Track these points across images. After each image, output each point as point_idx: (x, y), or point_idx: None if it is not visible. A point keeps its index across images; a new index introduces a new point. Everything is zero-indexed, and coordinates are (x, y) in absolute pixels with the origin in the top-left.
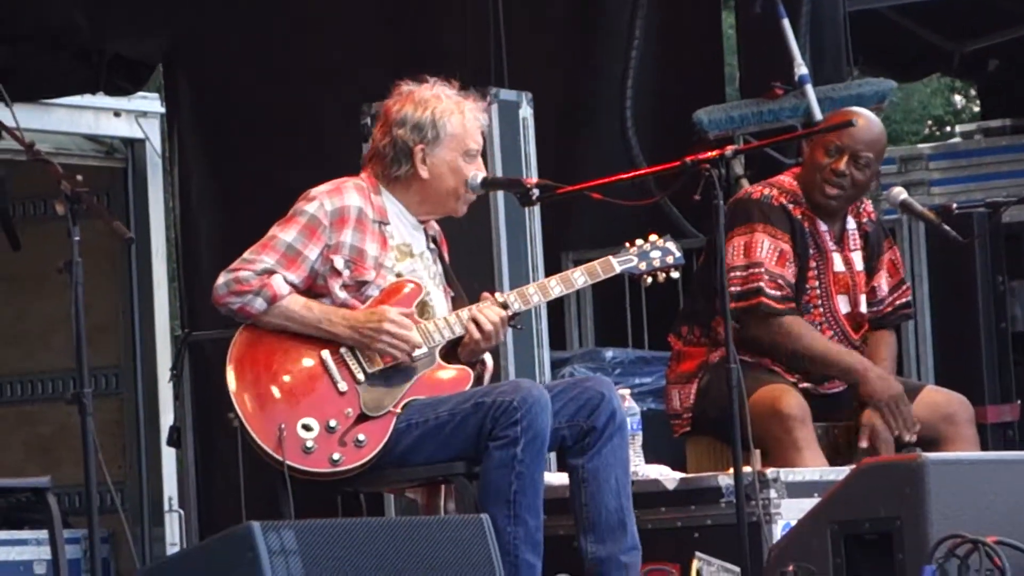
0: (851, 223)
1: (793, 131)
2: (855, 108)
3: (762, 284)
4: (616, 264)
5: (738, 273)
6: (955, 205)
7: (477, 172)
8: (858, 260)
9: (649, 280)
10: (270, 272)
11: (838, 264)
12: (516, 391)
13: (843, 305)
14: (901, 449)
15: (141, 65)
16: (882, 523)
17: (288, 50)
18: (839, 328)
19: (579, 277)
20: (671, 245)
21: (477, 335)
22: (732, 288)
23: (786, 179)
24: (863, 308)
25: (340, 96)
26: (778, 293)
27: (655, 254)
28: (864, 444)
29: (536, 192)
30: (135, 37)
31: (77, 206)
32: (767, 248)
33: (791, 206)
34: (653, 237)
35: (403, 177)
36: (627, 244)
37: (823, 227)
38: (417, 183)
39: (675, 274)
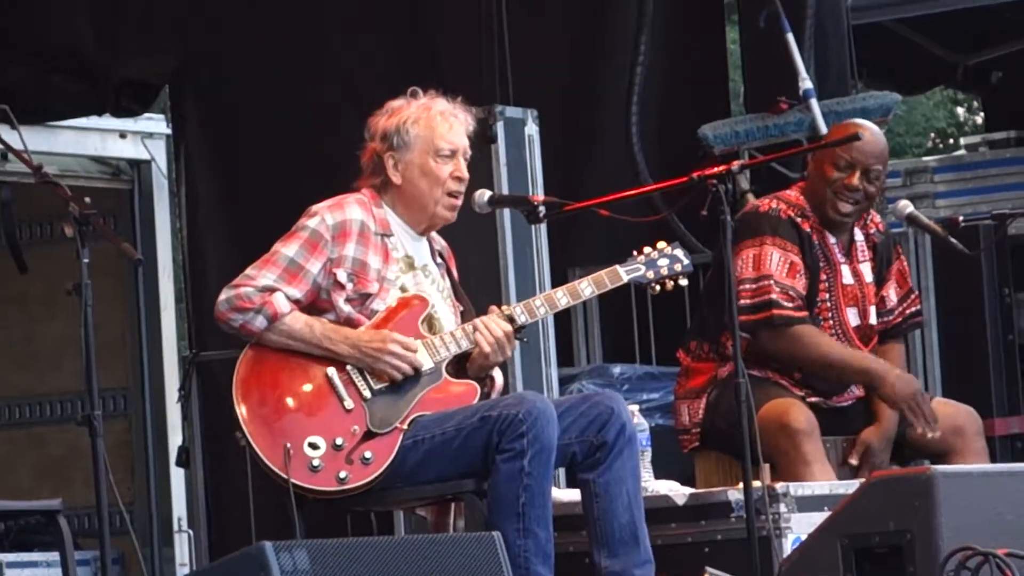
0: (859, 235)
1: (798, 145)
2: (858, 120)
3: (774, 296)
4: (623, 273)
5: (748, 286)
6: (961, 217)
7: (481, 191)
8: (867, 272)
9: (657, 288)
10: (272, 289)
11: (847, 276)
12: (521, 403)
13: (852, 317)
14: (909, 463)
15: (148, 86)
16: (892, 536)
17: (296, 71)
18: (848, 341)
19: (586, 288)
20: (679, 252)
21: (486, 348)
22: (743, 301)
23: (792, 193)
24: (872, 320)
25: (348, 117)
26: (791, 304)
27: (663, 262)
28: (854, 461)
29: (543, 209)
30: (142, 58)
31: (86, 228)
32: (777, 260)
33: (799, 219)
34: (661, 245)
35: (381, 187)
36: (634, 253)
37: (831, 239)
38: (394, 191)
39: (683, 282)
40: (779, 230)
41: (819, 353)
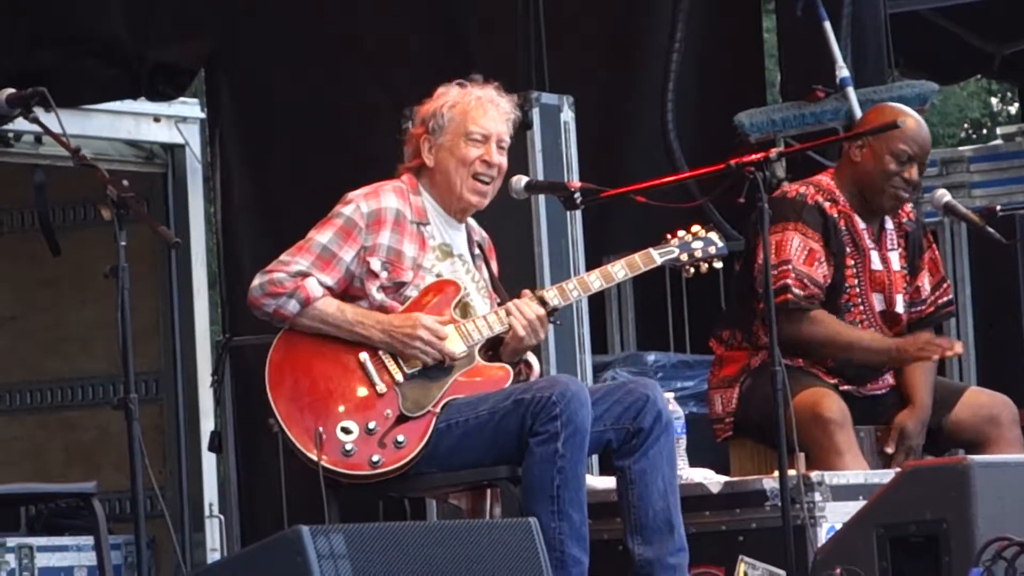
0: (889, 223)
1: (835, 133)
2: (896, 105)
3: (788, 281)
4: (657, 256)
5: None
6: (998, 207)
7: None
8: (895, 260)
9: (692, 271)
10: (304, 274)
11: (876, 262)
12: (554, 386)
13: (878, 303)
14: (944, 453)
15: (183, 71)
16: (928, 526)
17: (329, 56)
18: (876, 327)
19: (619, 270)
20: (713, 235)
21: (520, 332)
22: (761, 289)
23: (824, 179)
24: (899, 308)
25: (381, 101)
26: (802, 292)
27: (697, 244)
28: (890, 450)
29: (580, 196)
30: (178, 43)
31: (124, 211)
32: (796, 246)
33: (827, 204)
34: (696, 228)
35: (416, 169)
36: (668, 236)
37: (861, 225)
38: (428, 174)
39: (718, 264)
40: (803, 215)
41: (829, 335)
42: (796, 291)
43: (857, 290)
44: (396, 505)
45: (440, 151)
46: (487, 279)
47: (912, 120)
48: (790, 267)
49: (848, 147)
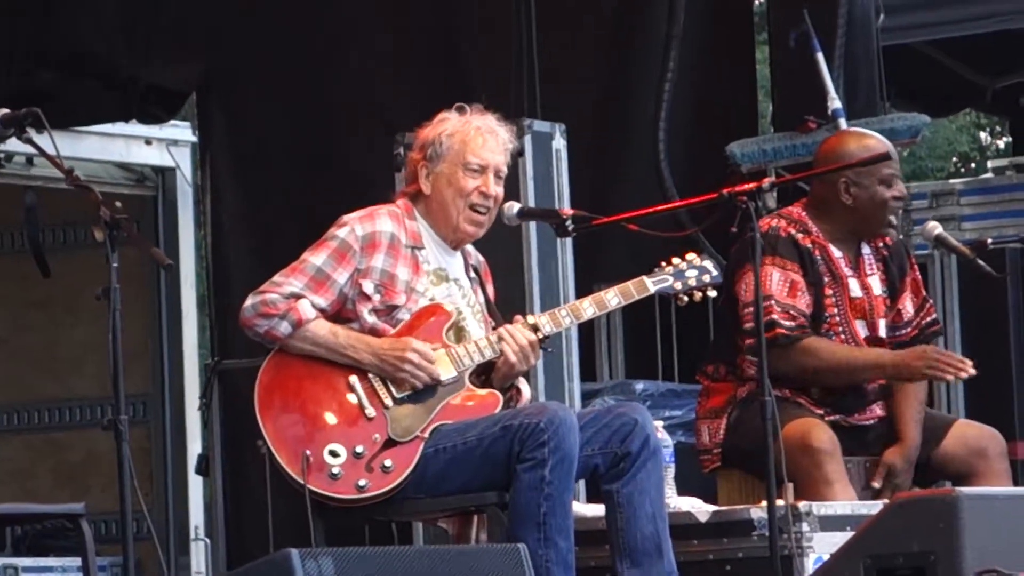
0: (865, 248)
1: None
2: (855, 129)
3: (775, 316)
4: (650, 284)
5: (750, 309)
6: (989, 240)
7: (510, 203)
8: (876, 284)
9: (685, 299)
10: (297, 296)
11: (855, 289)
12: (543, 412)
13: (861, 330)
14: (932, 485)
15: (175, 93)
16: (916, 558)
17: (321, 80)
18: None
19: (612, 298)
20: (708, 264)
21: (511, 357)
22: (746, 324)
23: (795, 209)
24: (882, 332)
25: (373, 126)
26: (792, 323)
27: (691, 273)
28: (877, 484)
29: (572, 223)
30: (170, 65)
31: (116, 232)
32: (777, 280)
33: (799, 235)
34: (690, 256)
35: (413, 195)
36: (662, 263)
37: (836, 253)
38: (424, 200)
39: (712, 293)
40: (778, 249)
41: (823, 360)
42: (785, 323)
43: (838, 318)
44: (383, 528)
45: (438, 179)
46: (483, 303)
47: (872, 138)
48: (772, 302)
49: (818, 182)
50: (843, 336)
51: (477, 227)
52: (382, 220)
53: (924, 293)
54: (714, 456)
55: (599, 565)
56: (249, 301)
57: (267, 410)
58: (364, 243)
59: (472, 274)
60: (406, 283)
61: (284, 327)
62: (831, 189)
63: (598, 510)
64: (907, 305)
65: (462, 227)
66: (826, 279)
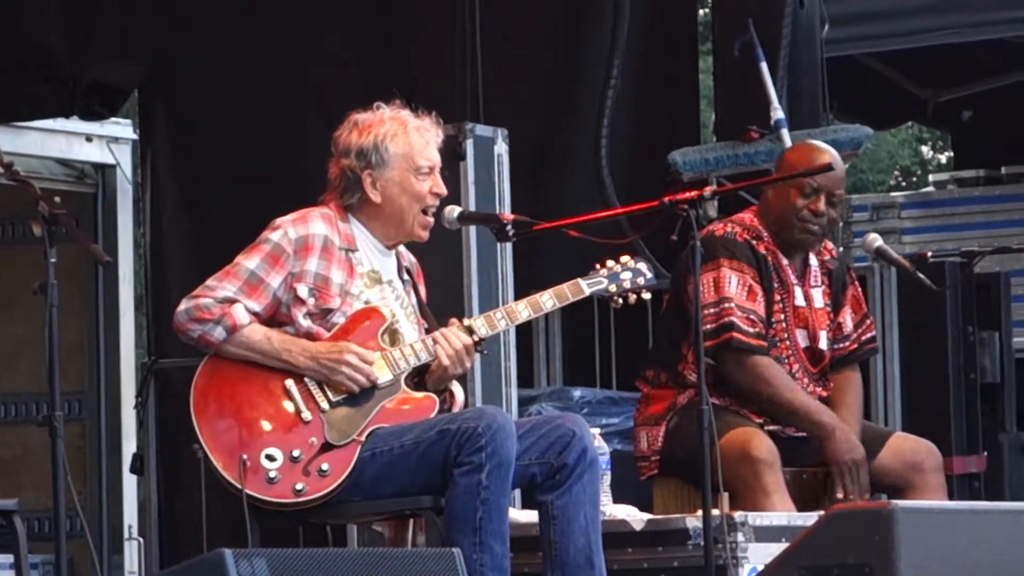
0: (813, 260)
1: (768, 175)
2: (816, 144)
3: (735, 319)
4: (585, 286)
5: (710, 310)
6: (930, 253)
7: (450, 207)
8: (818, 296)
9: (620, 302)
10: (231, 301)
11: (799, 298)
12: (481, 417)
13: (801, 339)
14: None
15: (117, 91)
16: (851, 570)
17: (265, 83)
18: (800, 362)
19: (547, 300)
20: (642, 266)
21: (445, 361)
22: (706, 326)
23: (747, 216)
24: (822, 344)
25: (316, 127)
26: (751, 329)
27: (626, 275)
28: (841, 495)
29: (512, 228)
30: (112, 63)
31: (55, 228)
32: (735, 283)
33: (754, 242)
34: (624, 258)
35: (358, 204)
36: (596, 266)
37: (785, 262)
38: (372, 208)
39: (646, 295)
40: (736, 253)
41: (774, 392)
42: (744, 327)
43: (783, 325)
44: (317, 530)
45: (388, 186)
46: (416, 304)
47: (824, 153)
48: (732, 305)
49: (772, 189)
50: (786, 343)
51: (426, 231)
52: (315, 223)
53: (865, 309)
54: (652, 463)
55: (532, 572)
56: (183, 306)
57: (203, 415)
58: (297, 246)
59: (405, 275)
60: (340, 286)
61: (218, 332)
62: (780, 196)
63: (532, 516)
64: (847, 319)
65: (416, 232)
66: (776, 285)
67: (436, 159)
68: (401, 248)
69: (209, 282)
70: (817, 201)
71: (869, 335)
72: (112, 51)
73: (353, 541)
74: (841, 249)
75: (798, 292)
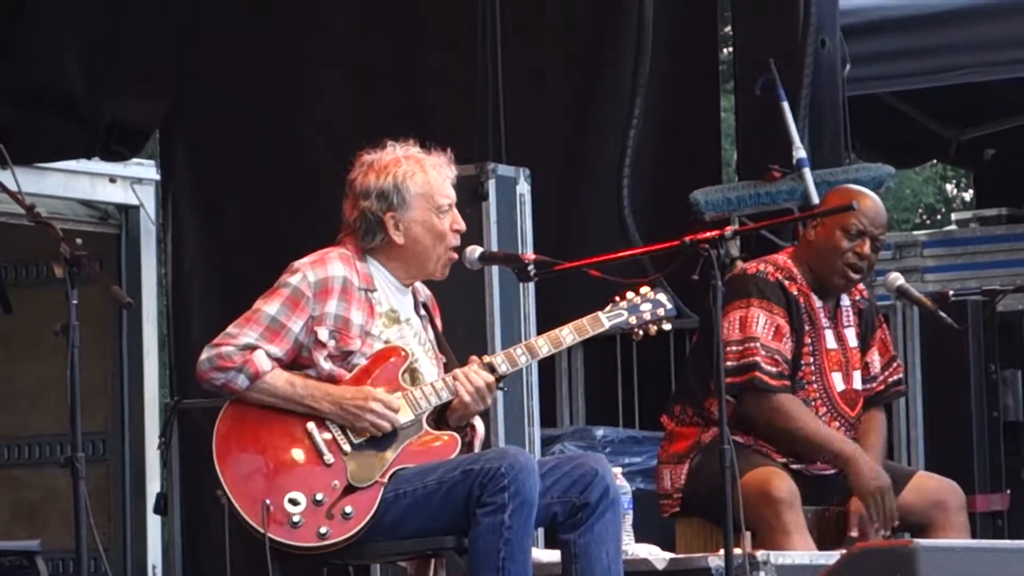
0: (844, 300)
1: (790, 214)
2: (854, 187)
3: (758, 359)
4: (605, 320)
5: (734, 348)
6: (951, 292)
7: (472, 247)
8: (851, 336)
9: (640, 334)
10: (252, 348)
11: (831, 341)
12: (503, 457)
13: (838, 382)
14: (891, 535)
15: (138, 131)
16: None
17: (286, 122)
18: (832, 405)
19: (567, 335)
20: (662, 297)
21: (466, 399)
22: (728, 363)
23: (780, 257)
24: (857, 385)
25: (337, 166)
26: (774, 369)
27: (645, 307)
28: (854, 533)
29: (533, 268)
30: (133, 103)
31: (76, 270)
32: (763, 323)
33: (786, 282)
34: (644, 289)
35: (379, 246)
36: (616, 298)
37: (818, 303)
38: (395, 249)
39: (667, 326)
40: (766, 292)
41: (795, 426)
42: (767, 367)
43: (812, 368)
44: (340, 569)
45: (412, 227)
46: (433, 340)
47: (867, 198)
48: (757, 344)
49: (804, 227)
50: (816, 386)
51: (447, 269)
52: (334, 264)
53: (892, 352)
54: (674, 501)
55: None
56: (205, 354)
57: (225, 459)
58: (317, 289)
59: (422, 311)
60: (361, 327)
61: (241, 380)
62: (806, 229)
63: (555, 556)
64: (875, 360)
65: (439, 271)
66: (807, 327)
67: (453, 195)
68: (416, 283)
69: (230, 329)
70: (863, 244)
71: (896, 377)
72: (132, 91)
73: None
74: (869, 291)
75: (829, 335)
